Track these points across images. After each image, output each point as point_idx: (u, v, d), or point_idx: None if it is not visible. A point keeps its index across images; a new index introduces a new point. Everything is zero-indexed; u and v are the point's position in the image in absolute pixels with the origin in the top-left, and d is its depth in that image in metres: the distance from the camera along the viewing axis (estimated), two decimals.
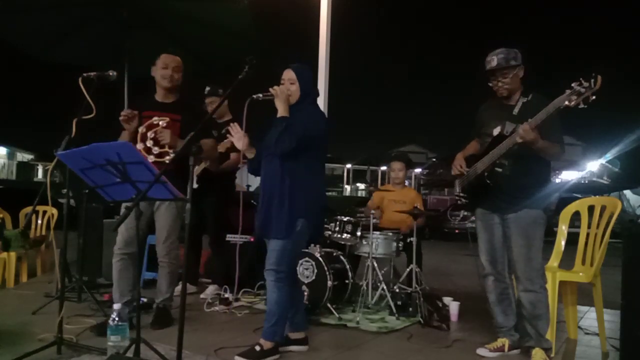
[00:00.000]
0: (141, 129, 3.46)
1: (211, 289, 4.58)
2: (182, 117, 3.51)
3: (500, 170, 3.05)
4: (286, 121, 2.88)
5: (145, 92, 3.71)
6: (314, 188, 2.99)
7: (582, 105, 2.65)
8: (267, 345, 2.92)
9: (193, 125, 3.42)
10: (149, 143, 3.44)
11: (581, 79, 2.61)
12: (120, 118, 3.38)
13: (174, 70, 3.54)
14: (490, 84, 3.13)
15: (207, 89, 4.75)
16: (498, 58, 3.04)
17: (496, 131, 3.08)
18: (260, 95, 2.95)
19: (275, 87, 2.95)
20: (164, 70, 3.52)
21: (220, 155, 4.11)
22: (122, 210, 3.46)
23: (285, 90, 2.95)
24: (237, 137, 3.04)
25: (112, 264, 3.46)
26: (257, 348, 2.91)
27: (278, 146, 2.85)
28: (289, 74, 3.01)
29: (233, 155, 4.44)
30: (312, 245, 4.17)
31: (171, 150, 3.40)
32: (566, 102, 2.65)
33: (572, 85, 2.62)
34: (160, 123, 3.46)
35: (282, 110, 2.92)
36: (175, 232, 3.52)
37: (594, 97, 2.61)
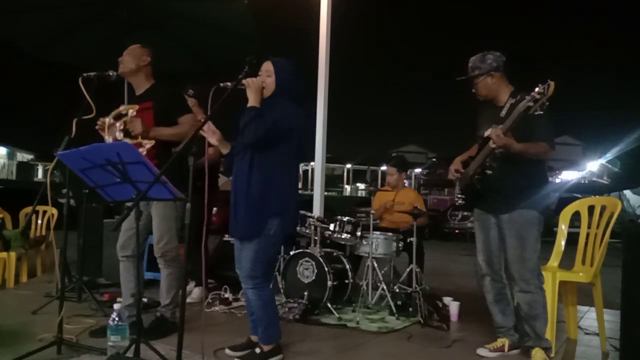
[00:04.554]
0: (108, 120, 3.22)
1: (197, 292, 4.41)
2: (154, 102, 3.27)
3: (490, 172, 3.05)
4: (255, 111, 2.74)
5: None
6: (286, 184, 2.84)
7: (538, 112, 2.66)
8: (267, 348, 2.90)
9: (167, 107, 3.27)
10: (119, 135, 3.19)
11: (540, 84, 2.61)
12: (97, 127, 3.21)
13: (125, 54, 3.36)
14: None
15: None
16: (468, 66, 3.11)
17: (486, 133, 3.08)
18: (229, 83, 2.77)
19: (248, 79, 2.79)
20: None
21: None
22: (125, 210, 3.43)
23: (258, 81, 2.80)
24: (210, 132, 2.84)
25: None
26: (257, 351, 2.89)
27: (245, 135, 2.72)
28: (267, 66, 2.89)
29: (210, 150, 4.36)
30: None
31: (146, 141, 3.19)
32: (526, 107, 2.66)
33: (534, 90, 2.63)
34: (129, 112, 3.24)
35: (252, 100, 2.76)
36: (168, 233, 3.30)
37: (547, 103, 2.62)
